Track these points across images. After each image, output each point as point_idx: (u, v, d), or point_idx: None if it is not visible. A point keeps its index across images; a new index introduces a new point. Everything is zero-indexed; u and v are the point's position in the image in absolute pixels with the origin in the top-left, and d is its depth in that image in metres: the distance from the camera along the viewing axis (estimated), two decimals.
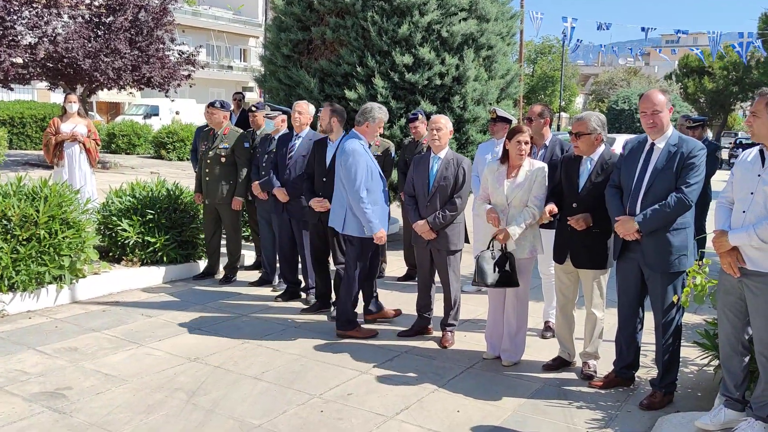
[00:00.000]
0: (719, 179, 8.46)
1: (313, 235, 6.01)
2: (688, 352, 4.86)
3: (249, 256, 7.75)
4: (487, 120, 8.70)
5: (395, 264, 7.76)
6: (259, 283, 6.99)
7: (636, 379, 4.57)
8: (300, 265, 6.48)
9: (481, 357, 5.04)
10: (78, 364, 4.69)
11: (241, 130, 6.99)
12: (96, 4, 17.00)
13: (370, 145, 5.54)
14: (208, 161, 6.83)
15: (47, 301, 5.95)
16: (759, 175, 3.51)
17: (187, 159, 19.74)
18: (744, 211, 3.54)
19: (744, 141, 31.55)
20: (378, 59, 8.82)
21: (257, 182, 6.52)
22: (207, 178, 6.83)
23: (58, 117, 8.61)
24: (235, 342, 5.24)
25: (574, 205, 4.54)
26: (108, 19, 16.80)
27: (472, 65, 9.01)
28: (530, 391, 4.46)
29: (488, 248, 4.74)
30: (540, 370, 4.80)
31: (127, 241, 6.93)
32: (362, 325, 5.53)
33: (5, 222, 5.71)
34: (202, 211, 7.19)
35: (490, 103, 9.33)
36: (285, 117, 6.62)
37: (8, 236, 5.68)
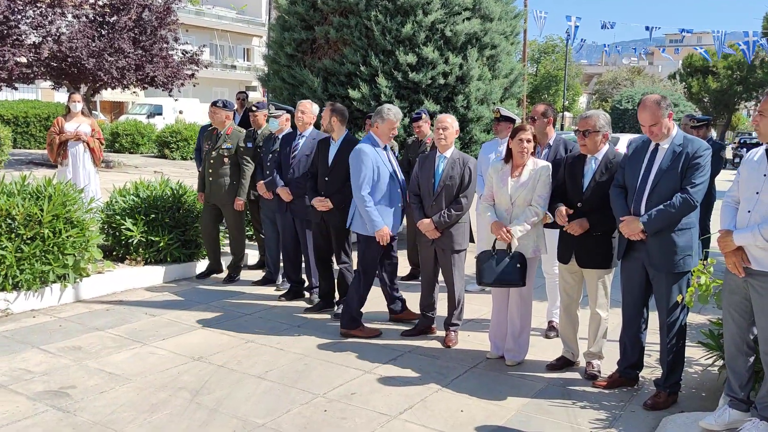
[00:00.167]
0: (723, 179, 8.46)
1: (316, 234, 6.01)
2: (693, 352, 4.84)
3: (252, 255, 7.76)
4: (491, 119, 8.71)
5: (399, 263, 7.73)
6: (262, 282, 6.99)
7: (640, 379, 4.56)
8: (303, 265, 6.48)
9: (485, 357, 5.03)
10: (82, 363, 4.69)
11: (244, 130, 6.98)
12: (100, 3, 17.03)
13: (387, 146, 5.53)
14: (211, 161, 6.81)
15: (51, 300, 5.97)
16: (765, 175, 3.50)
17: (191, 158, 19.77)
18: (749, 211, 3.53)
19: (748, 141, 31.45)
20: (381, 58, 8.81)
21: (262, 182, 6.51)
22: (210, 178, 6.82)
23: (62, 116, 8.63)
24: (238, 341, 5.24)
25: (579, 204, 4.53)
26: (112, 19, 16.83)
27: (475, 64, 9.00)
28: (534, 390, 4.45)
29: (492, 249, 4.73)
30: (544, 370, 4.79)
31: (130, 241, 6.94)
32: (366, 325, 5.52)
33: (9, 221, 5.72)
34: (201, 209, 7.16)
35: (494, 103, 9.32)
36: (289, 116, 6.61)
37: (12, 235, 5.69)
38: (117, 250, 7.08)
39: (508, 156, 4.80)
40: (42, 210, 5.85)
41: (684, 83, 48.05)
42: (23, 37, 15.90)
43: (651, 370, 4.69)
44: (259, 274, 7.21)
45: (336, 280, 6.06)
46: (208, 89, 38.07)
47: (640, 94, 32.13)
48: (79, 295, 6.19)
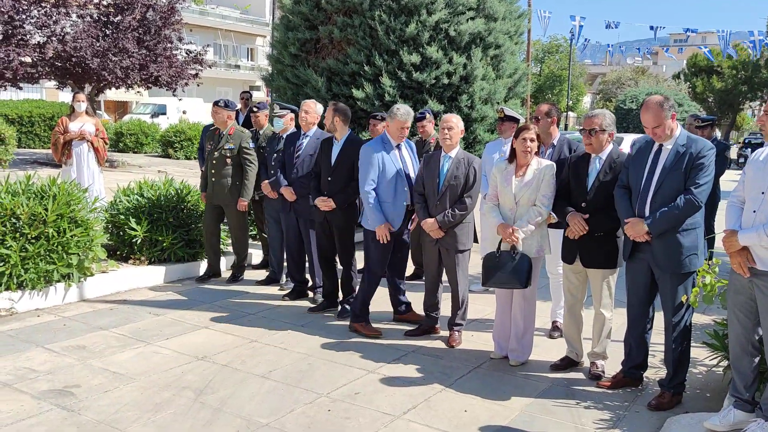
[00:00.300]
0: (728, 179, 8.43)
1: (319, 234, 6.01)
2: (697, 352, 4.83)
3: (256, 255, 7.76)
4: (495, 119, 8.70)
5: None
6: (266, 282, 6.99)
7: (644, 379, 4.55)
8: (307, 264, 6.48)
9: (489, 357, 5.03)
10: (86, 362, 4.70)
11: (247, 131, 6.95)
12: (104, 3, 17.07)
13: (398, 145, 5.55)
14: (214, 161, 6.77)
15: (56, 299, 5.98)
16: None
17: (195, 158, 19.79)
18: (755, 211, 3.52)
19: (753, 141, 31.38)
20: (385, 58, 8.82)
21: (267, 181, 6.51)
22: (213, 179, 6.78)
23: (66, 116, 8.64)
24: (242, 341, 5.24)
25: (583, 204, 4.52)
26: (116, 19, 16.86)
27: (479, 64, 9.01)
28: (538, 391, 4.44)
29: (497, 250, 4.73)
30: (548, 370, 4.79)
31: (134, 240, 6.95)
32: (371, 325, 5.52)
33: (14, 220, 5.73)
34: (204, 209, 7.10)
35: (498, 102, 9.32)
36: (293, 116, 6.61)
37: (17, 234, 5.70)
38: (121, 250, 7.09)
39: (512, 156, 4.79)
40: (46, 209, 5.86)
41: (688, 83, 47.94)
42: (28, 37, 15.94)
43: (655, 370, 4.68)
44: (262, 274, 7.21)
45: (339, 280, 6.06)
46: (212, 89, 38.11)
47: (644, 94, 32.05)
48: (84, 294, 6.20)
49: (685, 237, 4.08)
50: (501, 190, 4.80)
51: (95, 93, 17.93)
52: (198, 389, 4.30)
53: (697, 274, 4.09)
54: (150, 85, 18.14)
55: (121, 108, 39.76)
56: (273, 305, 6.25)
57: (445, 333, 5.43)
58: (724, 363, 4.33)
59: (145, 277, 6.76)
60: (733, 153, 28.79)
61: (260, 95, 34.19)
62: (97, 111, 22.04)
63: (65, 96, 26.95)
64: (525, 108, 13.64)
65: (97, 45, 16.12)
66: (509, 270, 4.65)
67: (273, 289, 6.79)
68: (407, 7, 8.79)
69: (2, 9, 15.24)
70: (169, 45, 17.79)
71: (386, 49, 8.84)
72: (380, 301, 6.00)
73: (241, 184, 6.75)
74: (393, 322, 5.80)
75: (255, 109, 7.29)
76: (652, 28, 24.97)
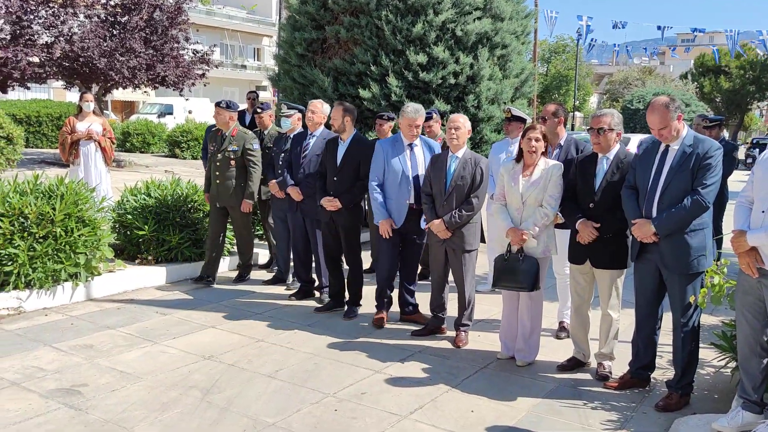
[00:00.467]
0: (736, 179, 8.40)
1: (325, 233, 6.02)
2: (705, 353, 4.81)
3: (263, 254, 7.77)
4: (502, 119, 8.68)
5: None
6: (272, 281, 7.00)
7: (652, 380, 4.53)
8: (314, 264, 6.49)
9: (496, 357, 5.02)
10: (93, 361, 4.72)
11: (250, 132, 6.87)
12: (112, 3, 17.12)
13: (410, 144, 5.59)
14: (218, 163, 6.67)
15: (63, 298, 6.00)
16: None
17: (201, 158, 19.82)
18: (763, 211, 3.50)
19: (761, 141, 31.24)
20: (392, 58, 8.82)
21: (274, 181, 6.52)
22: (217, 181, 6.68)
23: (73, 116, 8.67)
24: (249, 340, 5.25)
25: (591, 205, 4.51)
26: (123, 19, 16.92)
27: (486, 64, 8.99)
28: (545, 391, 4.43)
29: (506, 252, 4.72)
30: (554, 371, 4.77)
31: (141, 240, 6.97)
32: (382, 316, 5.70)
33: (22, 220, 5.75)
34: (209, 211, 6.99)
35: (505, 102, 9.31)
36: (300, 115, 6.61)
37: (25, 234, 5.72)
38: (128, 249, 7.11)
39: (520, 155, 4.78)
40: (54, 209, 5.88)
41: (696, 83, 47.78)
42: (36, 37, 16.01)
43: (663, 371, 4.66)
44: (269, 274, 7.22)
45: (346, 280, 6.06)
46: (219, 89, 38.19)
47: (651, 94, 31.95)
48: (91, 293, 6.22)
49: (693, 238, 4.06)
50: (508, 190, 4.79)
51: (102, 93, 17.99)
52: (205, 389, 4.31)
53: (705, 275, 4.07)
54: (157, 85, 18.19)
55: (128, 108, 39.89)
56: (280, 305, 6.26)
57: (451, 333, 5.42)
58: (733, 364, 4.31)
59: (152, 276, 6.77)
60: (741, 153, 28.68)
61: (267, 95, 34.26)
62: (105, 111, 22.11)
63: (73, 96, 27.03)
64: (532, 108, 13.62)
65: (105, 45, 16.18)
66: (517, 273, 4.64)
67: (279, 289, 6.80)
68: (414, 7, 8.79)
69: (10, 9, 15.32)
70: (175, 45, 17.84)
71: (393, 49, 8.84)
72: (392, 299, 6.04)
73: (246, 186, 6.68)
74: (399, 323, 5.79)
75: (259, 110, 7.29)
76: (659, 27, 24.89)
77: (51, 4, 16.16)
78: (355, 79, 9.02)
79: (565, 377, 4.68)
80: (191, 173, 15.48)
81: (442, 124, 7.28)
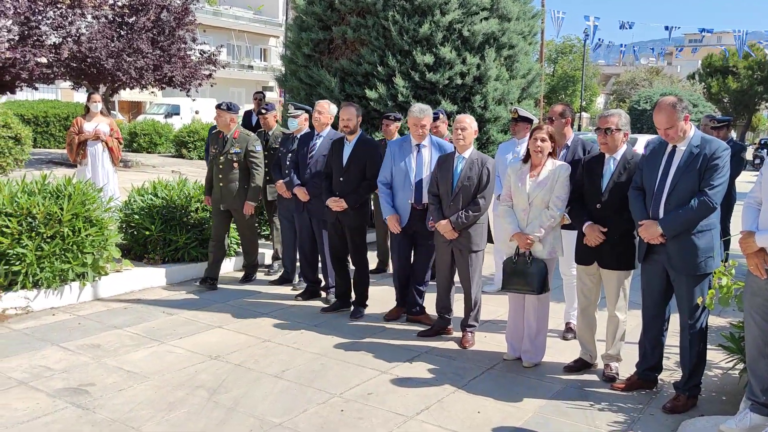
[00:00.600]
0: (744, 180, 8.36)
1: (331, 234, 6.02)
2: (713, 355, 4.79)
3: (268, 255, 7.77)
4: (508, 120, 8.67)
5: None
6: (279, 281, 7.00)
7: (659, 381, 4.52)
8: (320, 264, 6.49)
9: (502, 358, 5.01)
10: (100, 360, 4.73)
11: (253, 134, 6.81)
12: (119, 4, 17.18)
13: (419, 145, 5.62)
14: (220, 166, 6.60)
15: (70, 298, 6.02)
16: None
17: (205, 158, 19.84)
18: None
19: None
20: (399, 59, 8.82)
21: (281, 181, 6.52)
22: (220, 183, 6.61)
23: (81, 116, 8.70)
24: (255, 340, 5.26)
25: (598, 205, 4.49)
26: (131, 19, 16.97)
27: (493, 65, 8.98)
28: (551, 392, 4.42)
29: (515, 256, 4.72)
30: (561, 372, 4.76)
31: (148, 240, 6.99)
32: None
33: (30, 219, 5.78)
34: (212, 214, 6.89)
35: (511, 103, 9.30)
36: (307, 116, 6.62)
37: (33, 234, 5.75)
38: (135, 249, 7.13)
39: (528, 156, 4.78)
40: (62, 209, 5.90)
41: (703, 83, 47.61)
42: (44, 37, 16.08)
43: (670, 372, 4.64)
44: (267, 277, 7.21)
45: (352, 280, 6.06)
46: (225, 89, 38.29)
47: (658, 94, 31.85)
48: (98, 293, 6.24)
49: (701, 238, 4.04)
50: (515, 190, 4.78)
51: (110, 93, 18.05)
52: (211, 388, 4.32)
53: (713, 276, 4.05)
54: (164, 85, 18.25)
55: (135, 108, 40.00)
56: (286, 305, 6.26)
57: (457, 334, 5.42)
58: (741, 366, 4.30)
59: (158, 276, 6.79)
60: (749, 154, 28.55)
61: (273, 96, 34.30)
62: (112, 111, 22.19)
63: (80, 96, 27.15)
64: (538, 109, 13.60)
65: (112, 46, 16.23)
66: (525, 275, 4.64)
67: (286, 289, 6.80)
68: (421, 7, 8.78)
69: (19, 10, 15.39)
70: (182, 45, 17.89)
71: (399, 50, 8.84)
72: (394, 301, 6.03)
73: (249, 188, 6.62)
74: (406, 323, 5.79)
75: (263, 111, 7.29)
76: (667, 28, 24.82)
77: (59, 5, 16.23)
78: (361, 80, 9.02)
79: (572, 378, 4.66)
80: (198, 173, 15.51)
81: (449, 125, 7.27)
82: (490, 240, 5.57)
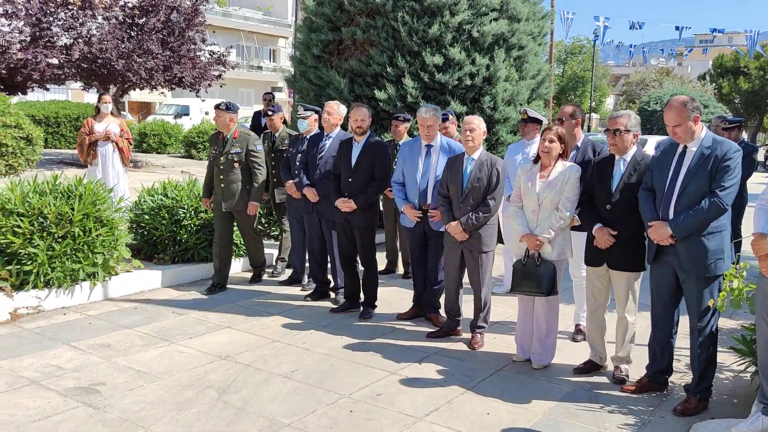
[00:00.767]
0: (755, 182, 8.30)
1: (340, 234, 6.03)
2: (724, 357, 4.76)
3: (276, 256, 7.77)
4: (518, 121, 8.66)
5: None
6: (288, 282, 7.01)
7: (670, 384, 4.49)
8: (329, 265, 6.49)
9: (511, 359, 5.00)
10: (111, 360, 4.75)
11: (254, 133, 6.74)
12: (129, 5, 17.26)
13: (428, 146, 5.63)
14: (221, 166, 6.50)
15: (81, 297, 6.05)
16: None
17: None
18: None
19: None
20: (408, 59, 8.81)
21: (291, 182, 6.53)
22: (222, 185, 6.52)
23: (91, 117, 8.75)
24: (264, 341, 5.27)
25: (608, 207, 4.48)
26: (141, 20, 17.05)
27: (502, 65, 8.97)
28: (561, 394, 4.41)
29: (524, 258, 4.71)
30: (571, 374, 4.75)
31: (158, 240, 7.01)
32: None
33: (42, 219, 5.81)
34: (214, 217, 6.79)
35: (521, 104, 9.27)
36: (317, 117, 6.62)
37: (44, 234, 5.78)
38: (145, 249, 7.16)
39: (539, 156, 4.77)
40: (73, 209, 5.93)
41: (714, 84, 47.34)
42: (55, 39, 16.17)
43: (681, 375, 4.62)
44: (272, 278, 7.22)
45: (361, 281, 6.06)
46: (235, 90, 38.38)
47: (668, 95, 31.67)
48: (108, 293, 6.27)
49: (711, 240, 4.02)
50: (524, 191, 4.77)
51: (120, 94, 18.13)
52: (221, 389, 4.33)
53: (724, 279, 4.02)
54: (173, 86, 18.30)
55: (144, 109, 40.16)
56: (295, 306, 6.27)
57: (467, 335, 5.41)
58: (752, 368, 4.27)
59: (168, 276, 6.81)
60: (761, 155, 28.36)
61: (282, 96, 34.37)
62: (122, 112, 22.30)
63: (90, 97, 27.27)
64: (548, 109, 13.56)
65: (122, 47, 16.31)
66: (535, 277, 4.63)
67: (295, 290, 6.81)
68: (430, 8, 8.78)
69: (30, 11, 15.50)
70: (192, 46, 17.94)
71: (409, 50, 8.84)
72: (408, 300, 6.07)
73: (251, 188, 6.56)
74: (414, 324, 5.79)
75: (269, 112, 7.30)
76: (677, 28, 24.70)
77: (70, 7, 16.32)
78: (371, 81, 9.03)
79: (582, 380, 4.65)
80: None
81: (458, 126, 7.26)
82: (500, 241, 5.55)
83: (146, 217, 7.08)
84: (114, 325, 5.51)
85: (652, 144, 18.03)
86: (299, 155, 6.52)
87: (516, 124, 9.11)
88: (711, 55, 50.05)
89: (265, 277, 7.21)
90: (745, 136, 31.88)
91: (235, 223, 6.83)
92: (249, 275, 7.20)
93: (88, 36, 16.36)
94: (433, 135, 5.57)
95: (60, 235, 5.84)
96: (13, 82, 16.58)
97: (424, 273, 5.79)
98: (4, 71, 16.14)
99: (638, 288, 4.58)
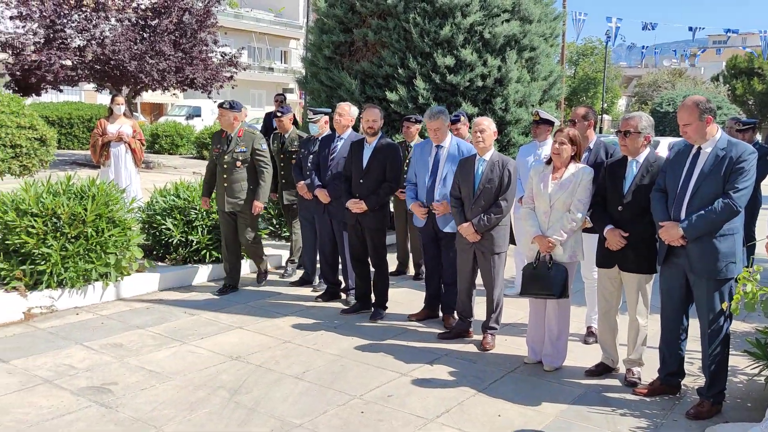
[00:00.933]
0: None
1: (351, 235, 6.03)
2: (738, 361, 4.73)
3: (286, 257, 7.78)
4: (530, 122, 8.63)
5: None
6: (299, 283, 7.02)
7: (683, 387, 4.46)
8: (341, 266, 6.50)
9: (523, 361, 4.98)
10: (123, 360, 4.78)
11: (259, 132, 6.67)
12: (142, 7, 17.38)
13: (439, 146, 5.64)
14: (225, 166, 6.40)
15: (94, 297, 6.09)
16: None
17: None
18: None
19: None
20: (419, 61, 8.81)
21: (302, 182, 6.53)
22: (225, 184, 6.41)
23: (104, 118, 8.80)
24: (276, 341, 5.28)
25: (620, 208, 4.46)
26: (153, 22, 17.16)
27: (514, 67, 8.94)
28: (573, 396, 4.39)
29: (535, 260, 4.69)
30: (582, 376, 4.73)
31: (170, 240, 7.04)
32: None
33: (55, 220, 5.85)
34: (218, 218, 6.74)
35: (533, 105, 9.24)
36: (327, 118, 6.63)
37: (58, 234, 5.82)
38: (157, 250, 7.19)
39: (551, 158, 4.76)
40: (86, 209, 5.97)
41: (728, 85, 47.00)
42: (69, 40, 16.32)
43: (694, 378, 4.59)
44: (282, 279, 7.22)
45: (372, 282, 6.07)
46: (246, 91, 38.50)
47: (681, 96, 31.47)
48: (120, 293, 6.31)
49: (722, 242, 3.98)
50: (537, 193, 4.76)
51: (132, 95, 18.25)
52: (232, 389, 4.34)
53: (737, 282, 3.99)
54: (185, 87, 18.42)
55: (156, 110, 40.37)
56: (306, 306, 6.28)
57: (478, 336, 5.40)
58: (766, 372, 4.24)
59: (180, 277, 6.84)
60: None
61: (294, 98, 34.43)
62: (134, 113, 22.42)
63: (103, 98, 27.45)
64: (560, 111, 13.52)
65: (135, 48, 16.42)
66: (546, 280, 4.62)
67: (306, 291, 6.82)
68: (442, 9, 8.77)
69: (44, 14, 15.64)
70: (204, 48, 18.04)
71: (420, 52, 8.83)
72: (419, 301, 6.06)
73: (257, 187, 6.43)
74: (424, 325, 5.78)
75: (279, 114, 7.31)
76: (690, 29, 24.56)
77: (84, 9, 16.45)
78: (382, 82, 9.03)
79: (593, 383, 4.63)
80: None
81: (470, 127, 7.25)
82: (512, 242, 5.53)
83: (158, 217, 7.10)
84: (126, 325, 5.54)
85: (664, 145, 17.93)
86: (311, 156, 6.53)
87: (528, 126, 9.09)
88: (725, 56, 49.71)
89: (275, 278, 7.22)
90: (759, 137, 31.62)
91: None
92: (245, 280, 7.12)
93: (101, 38, 16.49)
94: (441, 137, 5.56)
95: (73, 235, 5.88)
96: (27, 84, 16.73)
97: (438, 271, 5.78)
98: (18, 73, 16.30)
99: (650, 290, 4.56)
